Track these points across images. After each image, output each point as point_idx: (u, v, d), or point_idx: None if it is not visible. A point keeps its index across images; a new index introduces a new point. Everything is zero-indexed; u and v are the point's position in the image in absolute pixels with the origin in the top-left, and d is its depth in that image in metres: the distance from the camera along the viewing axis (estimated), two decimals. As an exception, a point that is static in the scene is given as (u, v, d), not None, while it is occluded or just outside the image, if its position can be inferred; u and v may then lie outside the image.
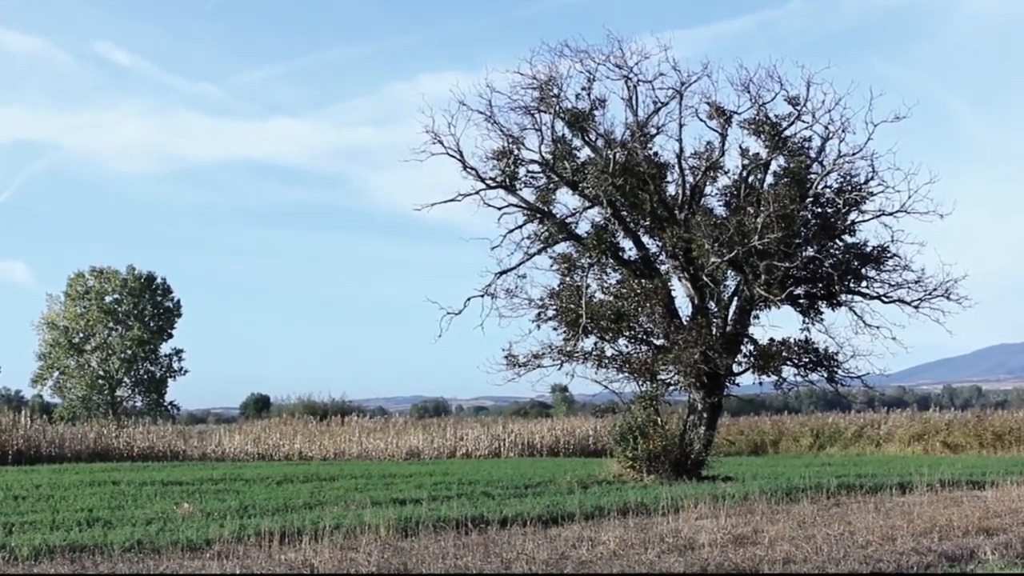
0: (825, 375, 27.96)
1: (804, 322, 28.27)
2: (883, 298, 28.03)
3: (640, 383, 27.35)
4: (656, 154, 28.21)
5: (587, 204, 28.04)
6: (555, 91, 27.49)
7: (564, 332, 27.79)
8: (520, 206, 28.10)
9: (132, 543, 12.93)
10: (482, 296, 27.95)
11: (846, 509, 17.57)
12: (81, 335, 65.96)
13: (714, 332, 27.22)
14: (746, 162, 28.27)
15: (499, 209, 27.98)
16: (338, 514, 15.84)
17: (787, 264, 26.25)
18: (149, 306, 67.54)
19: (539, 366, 27.92)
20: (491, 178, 27.81)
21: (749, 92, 27.61)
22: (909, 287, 27.80)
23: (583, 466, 30.70)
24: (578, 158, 28.11)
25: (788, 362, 27.83)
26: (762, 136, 27.97)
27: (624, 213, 27.86)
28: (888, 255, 27.88)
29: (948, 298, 27.49)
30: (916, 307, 27.75)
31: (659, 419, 26.19)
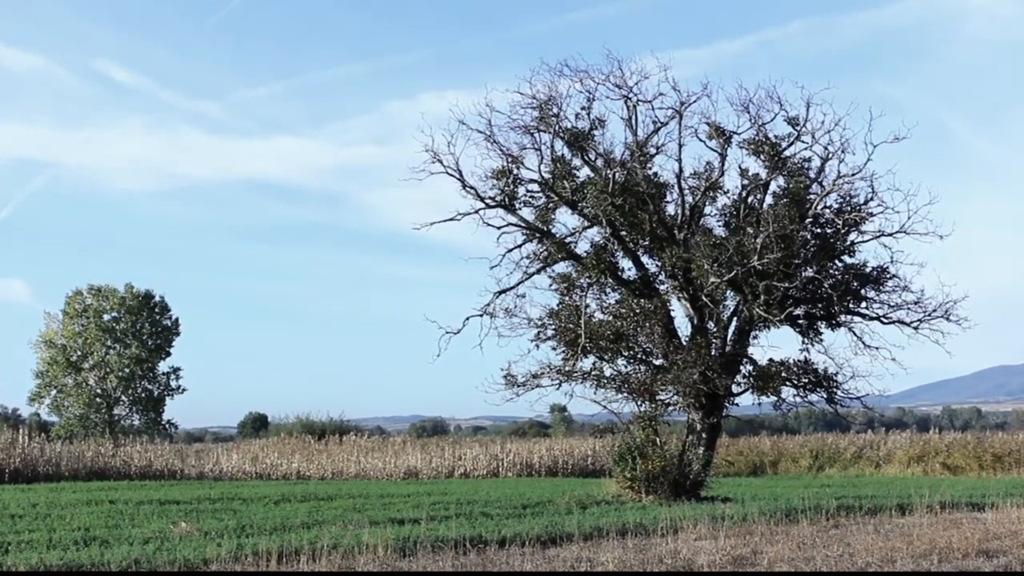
0: (824, 396, 27.96)
1: (803, 343, 28.30)
2: (882, 319, 28.03)
3: (639, 403, 27.31)
4: (655, 174, 28.28)
5: (586, 224, 28.08)
6: (554, 111, 27.58)
7: (563, 352, 27.79)
8: (519, 225, 28.13)
9: (129, 562, 12.86)
10: (481, 315, 27.98)
11: (845, 531, 17.50)
12: (79, 353, 65.87)
13: (713, 352, 27.22)
14: (745, 182, 28.32)
15: (498, 228, 28.07)
16: (336, 534, 15.77)
17: (786, 284, 26.26)
18: (147, 324, 67.49)
19: (538, 386, 27.94)
20: (490, 197, 27.86)
21: (749, 112, 27.75)
22: (909, 308, 27.83)
23: (581, 486, 30.58)
24: (577, 178, 28.15)
25: (787, 383, 27.83)
26: (762, 156, 28.03)
27: (623, 233, 27.89)
28: (888, 276, 27.91)
29: (948, 319, 27.52)
30: (916, 328, 27.77)
31: (658, 439, 26.09)
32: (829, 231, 28.19)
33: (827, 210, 28.09)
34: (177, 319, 69.24)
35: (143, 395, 67.49)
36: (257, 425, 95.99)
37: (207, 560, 13.10)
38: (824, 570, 12.58)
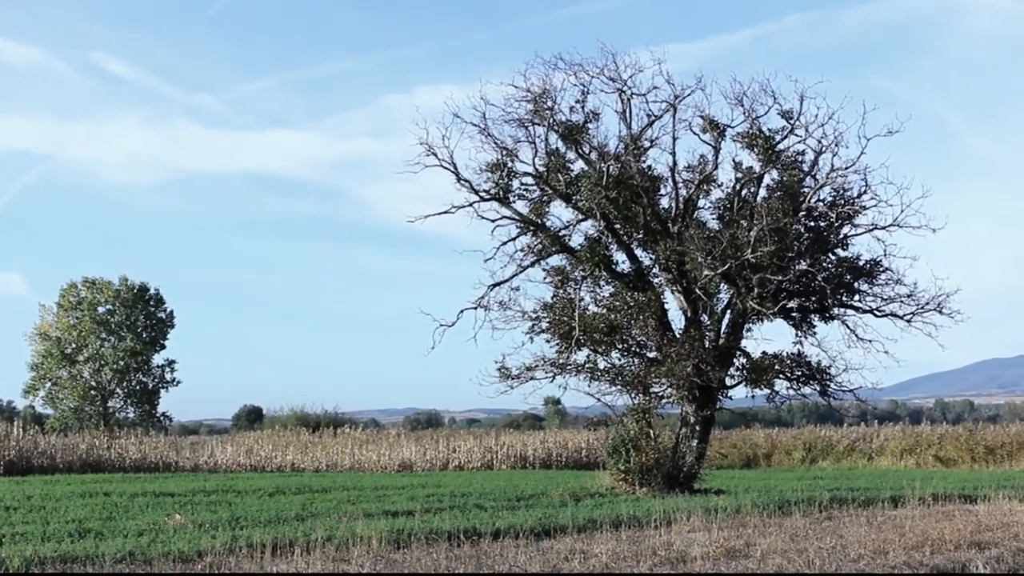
0: (817, 389, 27.97)
1: (797, 335, 28.30)
2: (876, 312, 28.05)
3: (633, 396, 27.35)
4: (650, 167, 28.26)
5: (580, 217, 28.06)
6: (549, 104, 27.52)
7: (557, 344, 27.78)
8: (513, 218, 28.11)
9: (123, 554, 12.90)
10: (475, 308, 27.93)
11: (838, 523, 17.59)
12: (73, 346, 65.83)
13: (707, 345, 27.25)
14: (739, 175, 28.32)
15: (493, 221, 27.99)
16: (330, 526, 15.82)
17: (780, 277, 26.28)
18: (142, 317, 67.46)
19: (532, 378, 27.91)
20: (485, 190, 27.82)
21: (743, 106, 27.70)
22: (901, 301, 27.83)
23: (575, 479, 30.69)
24: (572, 171, 28.13)
25: (781, 375, 27.84)
26: (755, 150, 28.02)
27: (617, 226, 27.89)
28: (881, 269, 27.91)
29: (940, 312, 27.51)
30: (908, 321, 27.79)
31: (652, 432, 26.19)
32: (822, 224, 28.20)
33: (820, 203, 28.10)
34: (172, 312, 69.25)
35: (138, 388, 67.48)
36: (252, 418, 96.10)
37: (201, 552, 13.14)
38: (817, 562, 12.65)
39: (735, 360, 28.00)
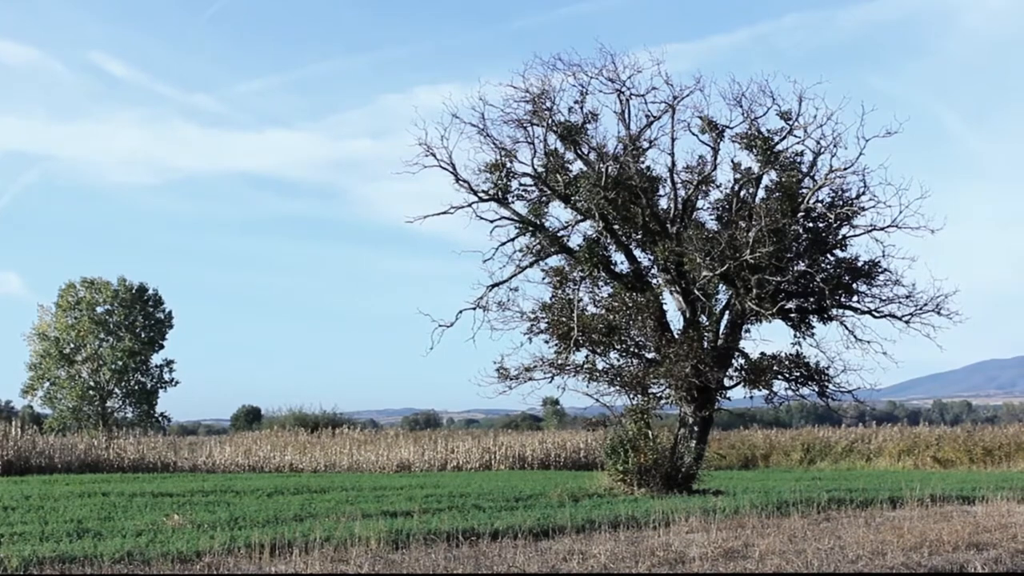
0: (816, 389, 27.99)
1: (795, 336, 28.32)
2: (874, 313, 28.07)
3: (631, 396, 27.36)
4: (648, 168, 28.28)
5: (579, 217, 28.07)
6: (548, 104, 27.54)
7: (556, 345, 27.80)
8: (512, 219, 28.12)
9: (122, 554, 12.90)
10: (474, 309, 27.95)
11: (836, 524, 17.59)
12: (72, 346, 65.82)
13: (705, 346, 27.26)
14: (738, 176, 28.33)
15: (491, 222, 28.01)
16: (329, 526, 15.82)
17: (778, 278, 26.30)
18: (140, 317, 67.46)
19: (530, 379, 27.94)
20: (483, 191, 27.82)
21: (741, 106, 27.75)
22: (900, 302, 27.86)
23: (574, 479, 30.67)
24: (570, 171, 28.14)
25: (779, 376, 27.86)
26: (754, 150, 28.03)
27: (616, 227, 27.90)
28: (879, 270, 27.93)
29: (939, 313, 27.54)
30: (907, 322, 27.81)
31: (650, 432, 26.17)
32: (821, 225, 28.22)
33: (819, 204, 28.12)
34: (171, 312, 69.27)
35: (136, 388, 67.47)
36: (250, 418, 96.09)
37: (200, 552, 13.14)
38: (815, 563, 12.66)
39: (734, 361, 28.02)
